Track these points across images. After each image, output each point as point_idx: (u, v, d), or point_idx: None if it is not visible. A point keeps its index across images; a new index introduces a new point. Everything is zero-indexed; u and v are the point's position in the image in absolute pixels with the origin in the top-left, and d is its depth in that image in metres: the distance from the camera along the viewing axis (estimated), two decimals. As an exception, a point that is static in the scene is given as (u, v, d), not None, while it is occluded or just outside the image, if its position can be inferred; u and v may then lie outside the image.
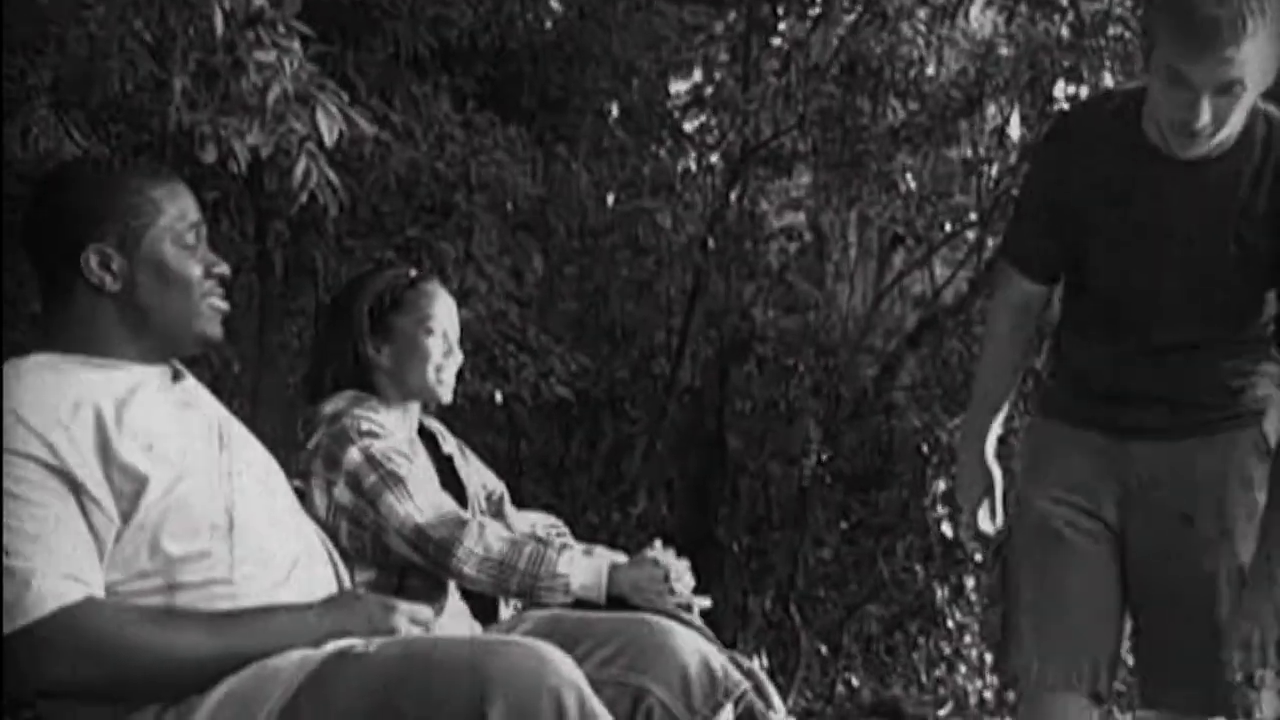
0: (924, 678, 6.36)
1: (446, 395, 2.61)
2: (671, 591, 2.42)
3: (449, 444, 2.72)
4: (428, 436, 2.68)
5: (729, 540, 5.76)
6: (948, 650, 6.27)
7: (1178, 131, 2.09)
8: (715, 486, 5.69)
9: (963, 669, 6.22)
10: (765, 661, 6.03)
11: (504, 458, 5.15)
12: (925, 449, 5.28)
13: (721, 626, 5.60)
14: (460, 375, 2.72)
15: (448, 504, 2.44)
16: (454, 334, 2.63)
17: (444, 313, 2.61)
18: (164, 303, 1.88)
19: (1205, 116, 2.03)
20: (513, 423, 5.33)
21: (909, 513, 5.47)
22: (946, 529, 5.32)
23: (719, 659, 2.29)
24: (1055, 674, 2.31)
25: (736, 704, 2.35)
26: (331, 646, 1.80)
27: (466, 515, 2.43)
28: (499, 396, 4.69)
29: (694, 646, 2.27)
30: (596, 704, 1.69)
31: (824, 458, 5.57)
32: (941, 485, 5.18)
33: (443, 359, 2.58)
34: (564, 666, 1.70)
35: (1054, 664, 2.31)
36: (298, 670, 1.75)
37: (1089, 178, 2.28)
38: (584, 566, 2.40)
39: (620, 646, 2.22)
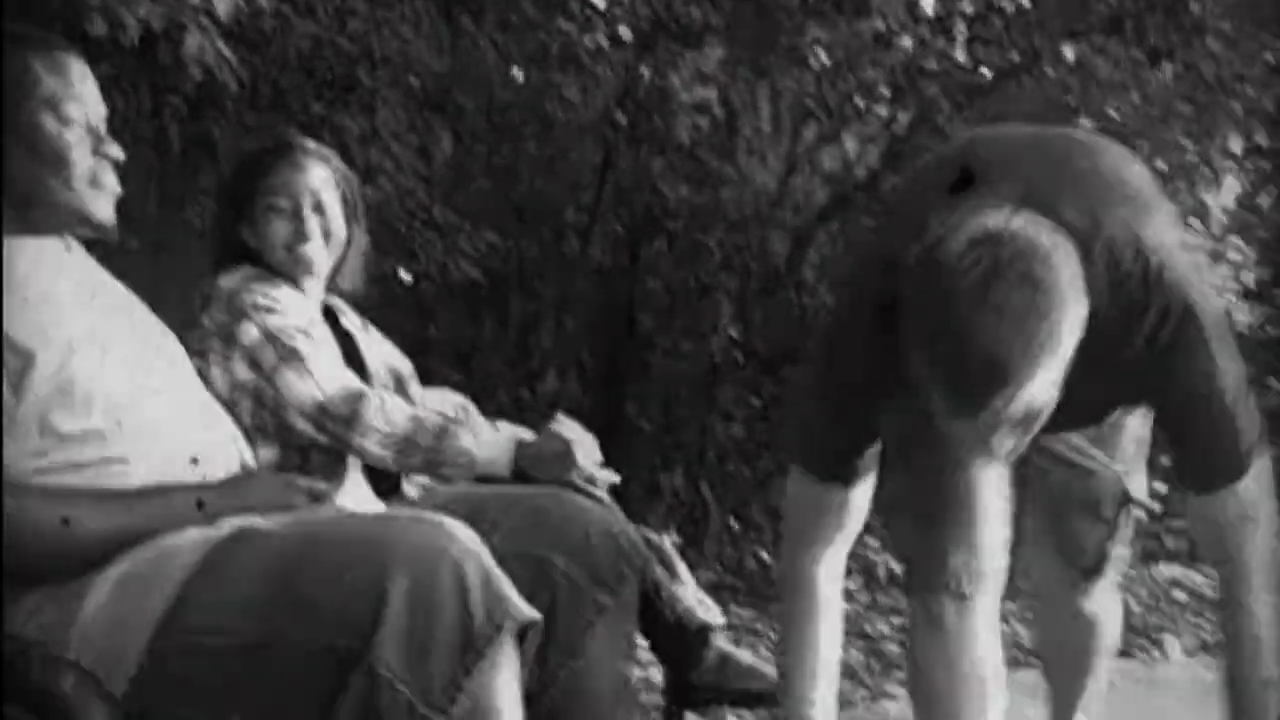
0: (833, 550, 6.46)
1: (312, 270, 2.55)
2: (577, 465, 2.42)
3: (350, 320, 2.69)
4: (330, 315, 2.65)
5: (639, 418, 5.78)
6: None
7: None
8: (626, 364, 5.70)
9: (872, 543, 6.33)
10: (676, 537, 6.10)
11: (412, 339, 5.11)
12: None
13: (632, 503, 5.65)
14: (364, 255, 2.69)
15: (350, 380, 2.42)
16: (332, 210, 2.56)
17: (300, 187, 2.53)
18: (39, 176, 1.83)
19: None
20: (421, 303, 5.28)
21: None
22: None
23: (624, 532, 2.31)
24: None
25: (642, 577, 2.37)
26: (230, 525, 1.78)
27: (369, 391, 2.41)
28: (407, 277, 4.64)
29: (599, 519, 2.28)
30: (500, 576, 1.69)
31: (735, 335, 5.59)
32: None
33: (291, 237, 2.52)
34: (466, 540, 1.70)
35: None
36: (197, 549, 1.73)
37: None
38: (488, 442, 2.39)
39: (524, 520, 2.23)
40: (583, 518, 2.25)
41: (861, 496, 1.97)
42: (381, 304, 4.95)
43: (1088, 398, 1.76)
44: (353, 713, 1.63)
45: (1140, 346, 1.77)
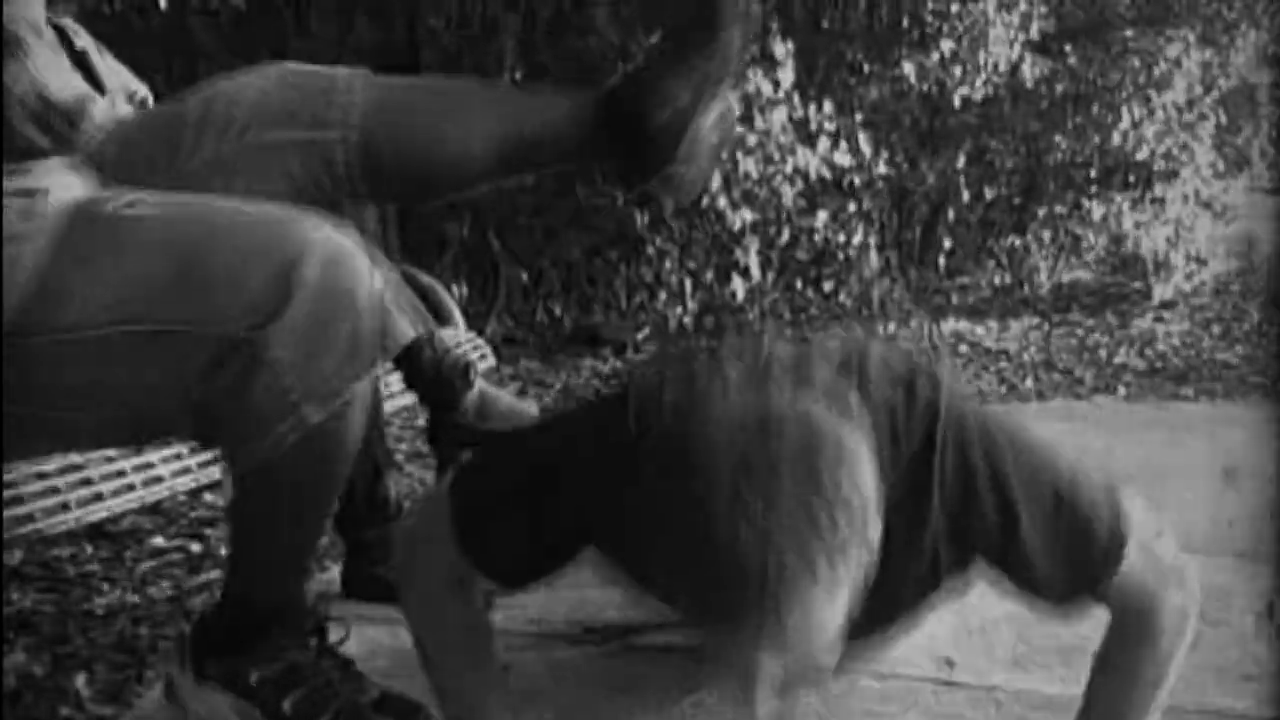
0: (624, 304, 6.45)
1: None
2: None
3: (84, 39, 2.45)
4: (62, 33, 2.41)
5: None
6: (649, 277, 6.35)
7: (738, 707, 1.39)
8: (409, 108, 5.46)
9: (663, 295, 6.32)
10: (464, 289, 5.99)
11: (178, 77, 4.80)
12: (622, 67, 5.15)
13: (418, 253, 5.50)
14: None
15: (80, 84, 2.21)
16: None
17: None
18: None
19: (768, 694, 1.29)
20: (188, 36, 4.95)
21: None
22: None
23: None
24: None
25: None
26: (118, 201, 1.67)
27: (99, 96, 2.20)
28: (162, 3, 4.31)
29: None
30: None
31: (520, 76, 5.39)
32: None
33: None
34: (366, 252, 1.65)
35: None
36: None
37: None
38: None
39: None
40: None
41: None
42: (141, 36, 4.63)
43: None
44: (225, 395, 1.56)
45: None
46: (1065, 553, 1.48)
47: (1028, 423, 1.56)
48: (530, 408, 2.37)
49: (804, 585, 1.18)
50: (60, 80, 2.16)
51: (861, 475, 1.22)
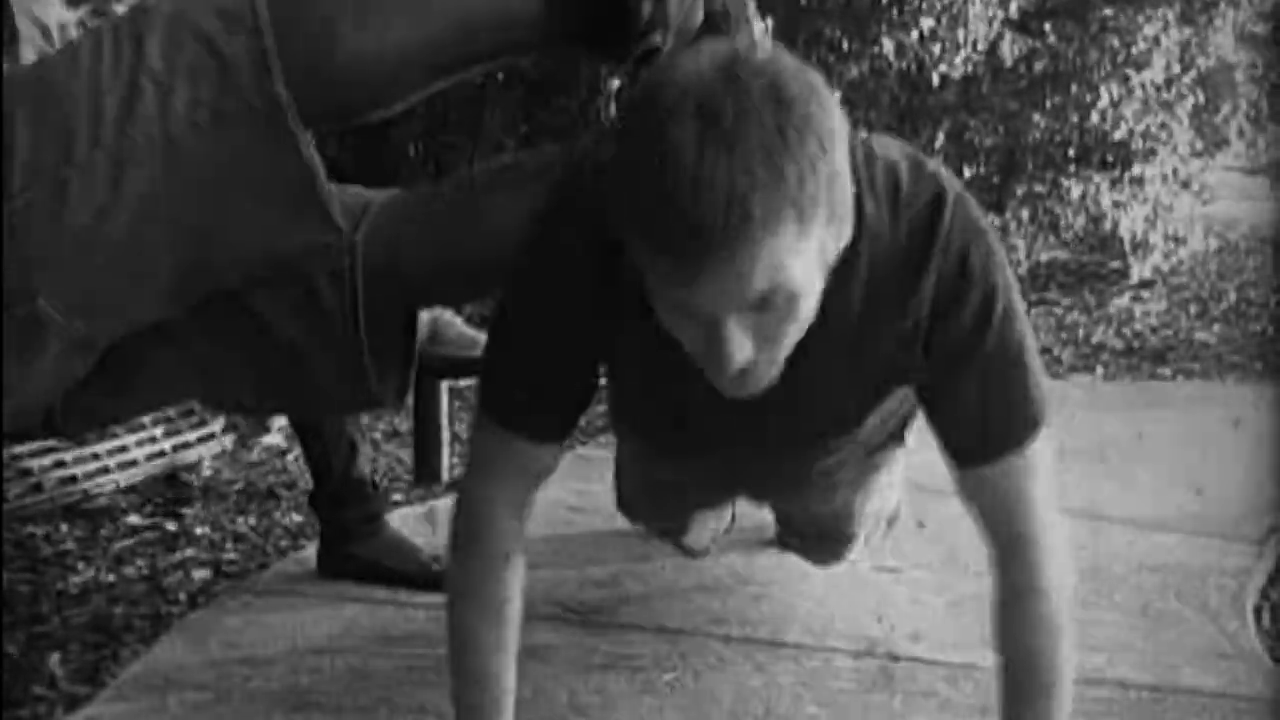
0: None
1: None
2: None
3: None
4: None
5: (404, 143, 5.57)
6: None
7: (713, 374, 1.28)
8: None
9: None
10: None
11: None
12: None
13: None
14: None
15: None
16: None
17: None
18: None
19: (739, 353, 1.23)
20: None
21: (586, 115, 5.37)
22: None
23: None
24: None
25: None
26: None
27: None
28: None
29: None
30: None
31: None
32: (615, 84, 5.07)
33: None
34: None
35: None
36: None
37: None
38: None
39: None
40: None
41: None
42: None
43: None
44: None
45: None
46: (1002, 400, 1.43)
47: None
48: (480, 336, 2.34)
49: (771, 227, 1.14)
50: None
51: (832, 141, 1.17)
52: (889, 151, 1.42)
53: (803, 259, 1.18)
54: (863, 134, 1.43)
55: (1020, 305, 1.45)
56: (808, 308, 1.24)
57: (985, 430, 1.45)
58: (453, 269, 1.77)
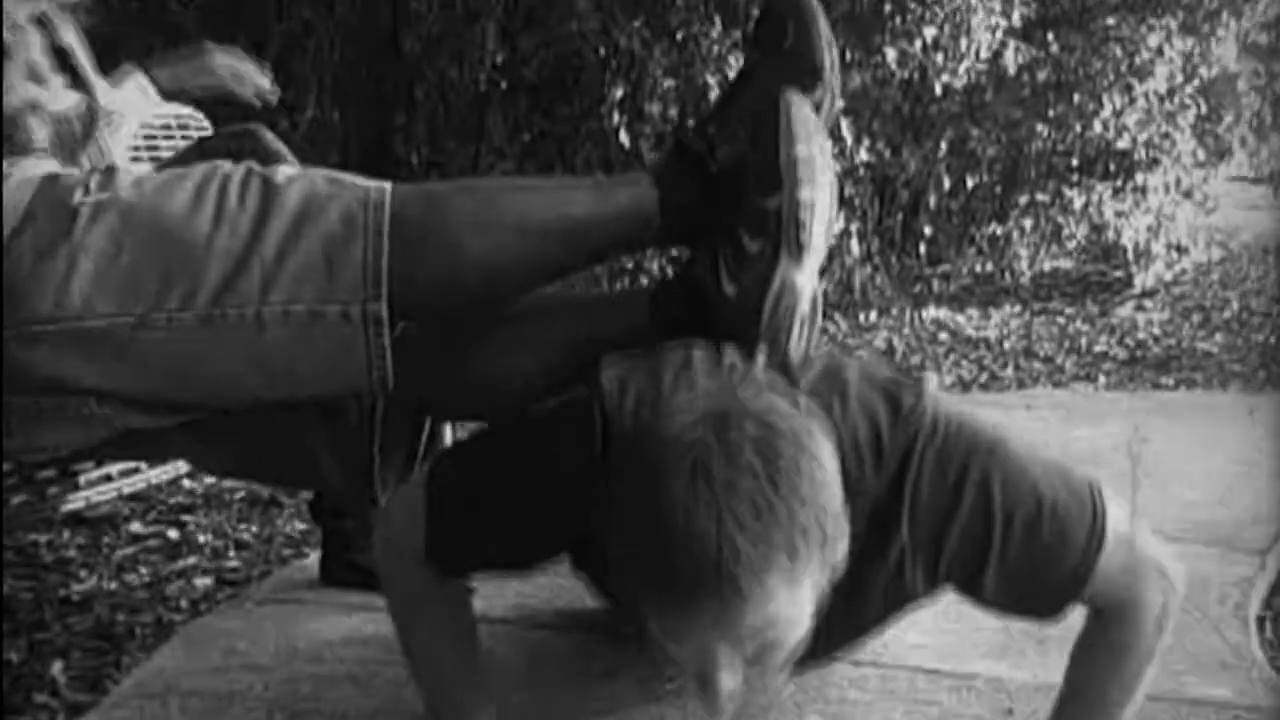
0: (606, 288, 6.44)
1: None
2: None
3: (69, 35, 2.43)
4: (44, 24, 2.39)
5: (406, 152, 5.57)
6: (628, 265, 6.34)
7: (700, 696, 1.27)
8: (391, 93, 5.44)
9: (643, 281, 6.32)
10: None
11: (159, 59, 4.77)
12: (603, 52, 5.12)
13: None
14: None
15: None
16: None
17: None
18: None
19: (729, 682, 1.23)
20: (168, 22, 4.91)
21: (589, 122, 5.37)
22: (625, 138, 5.25)
23: None
24: None
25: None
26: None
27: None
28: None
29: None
30: None
31: (500, 61, 5.35)
32: (619, 92, 5.08)
33: None
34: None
35: None
36: None
37: None
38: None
39: None
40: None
41: None
42: (130, 20, 4.59)
43: None
44: None
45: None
46: (1040, 571, 1.48)
47: (1010, 410, 1.55)
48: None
49: (761, 574, 1.18)
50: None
51: (822, 473, 1.22)
52: (871, 400, 1.44)
53: (794, 598, 1.22)
54: (853, 359, 1.50)
55: (1032, 478, 1.47)
56: (797, 637, 1.26)
57: (1037, 606, 1.54)
58: (470, 390, 1.75)
